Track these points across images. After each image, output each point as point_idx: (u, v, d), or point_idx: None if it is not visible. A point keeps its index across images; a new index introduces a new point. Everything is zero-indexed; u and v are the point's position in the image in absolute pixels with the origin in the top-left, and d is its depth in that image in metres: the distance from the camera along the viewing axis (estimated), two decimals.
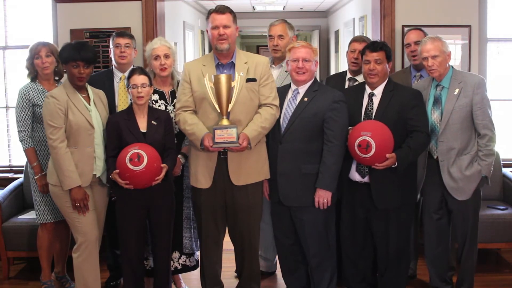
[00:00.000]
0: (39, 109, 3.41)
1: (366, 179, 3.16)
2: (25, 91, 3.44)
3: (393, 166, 3.04)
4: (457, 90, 3.16)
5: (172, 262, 3.46)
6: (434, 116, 3.20)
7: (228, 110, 3.02)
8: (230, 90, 2.99)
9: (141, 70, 3.16)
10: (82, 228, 3.17)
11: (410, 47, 3.62)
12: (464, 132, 3.17)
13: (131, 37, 3.68)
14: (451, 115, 3.15)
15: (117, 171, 3.02)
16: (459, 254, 3.36)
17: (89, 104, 3.21)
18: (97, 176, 3.21)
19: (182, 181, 3.43)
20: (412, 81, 3.63)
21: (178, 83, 3.43)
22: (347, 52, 3.69)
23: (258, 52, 13.57)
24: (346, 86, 3.59)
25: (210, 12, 3.11)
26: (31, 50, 3.48)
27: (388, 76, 3.22)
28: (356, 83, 3.57)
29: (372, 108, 3.16)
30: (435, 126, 3.19)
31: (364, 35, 6.33)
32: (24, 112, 3.42)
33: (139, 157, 2.97)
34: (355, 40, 3.62)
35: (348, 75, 3.64)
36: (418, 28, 3.74)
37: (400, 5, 4.26)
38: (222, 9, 3.08)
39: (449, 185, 3.20)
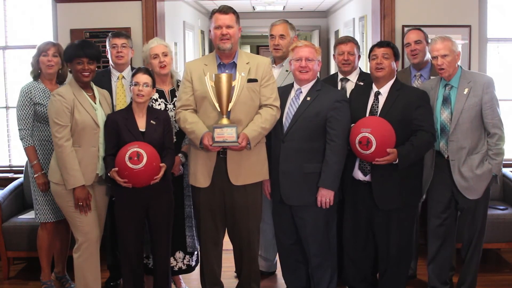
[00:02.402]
0: (41, 108, 3.41)
1: (368, 178, 3.16)
2: (27, 89, 3.44)
3: (394, 163, 3.04)
4: (466, 90, 3.17)
5: (175, 262, 3.47)
6: (444, 115, 3.20)
7: (228, 110, 3.02)
8: (230, 89, 2.99)
9: (146, 70, 3.19)
10: (83, 228, 3.17)
11: (410, 46, 3.62)
12: (474, 131, 3.17)
13: (127, 36, 3.69)
14: (461, 115, 3.15)
15: (116, 169, 3.03)
16: (463, 253, 3.35)
17: (95, 103, 3.22)
18: (99, 175, 3.21)
19: (183, 180, 3.44)
20: (412, 80, 3.63)
21: (177, 82, 3.45)
22: (334, 55, 3.68)
23: (258, 52, 13.58)
24: (339, 87, 3.59)
25: (213, 12, 3.12)
26: (39, 48, 3.48)
27: (395, 75, 3.22)
28: (349, 82, 3.58)
29: (377, 107, 3.16)
30: (445, 126, 3.19)
31: (364, 35, 6.35)
32: (25, 111, 3.42)
33: (139, 156, 2.98)
34: (340, 42, 3.60)
35: (340, 76, 3.64)
36: (417, 28, 3.74)
37: (400, 5, 4.26)
38: (225, 9, 3.09)
39: (460, 184, 3.20)
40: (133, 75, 3.15)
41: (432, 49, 3.19)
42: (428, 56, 3.57)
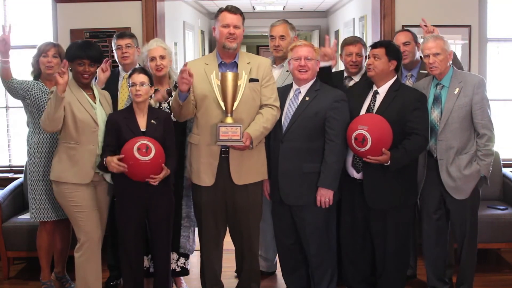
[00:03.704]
0: (35, 101, 3.39)
1: (361, 176, 3.16)
2: (25, 82, 3.44)
3: (385, 164, 3.04)
4: (457, 90, 3.17)
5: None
6: (434, 114, 3.21)
7: (233, 108, 3.03)
8: (236, 88, 3.00)
9: (142, 70, 3.18)
10: (85, 228, 3.17)
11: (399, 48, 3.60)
12: (464, 132, 3.17)
13: (132, 36, 3.69)
14: (451, 114, 3.15)
15: (119, 156, 3.01)
16: (458, 253, 3.36)
17: (95, 103, 3.22)
18: (100, 174, 3.21)
19: (183, 180, 3.44)
20: (403, 80, 3.62)
21: (175, 83, 3.45)
22: (341, 55, 3.68)
23: (258, 52, 13.58)
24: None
25: (221, 10, 3.13)
26: (39, 48, 3.49)
27: (394, 75, 3.21)
28: (352, 81, 3.58)
29: (374, 106, 3.17)
30: (435, 125, 3.20)
31: (364, 35, 6.35)
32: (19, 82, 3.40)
33: (148, 148, 2.99)
34: (348, 43, 3.60)
35: (345, 74, 3.65)
36: (406, 29, 3.74)
37: (400, 5, 4.27)
38: (234, 10, 3.12)
39: (448, 184, 3.20)
40: (129, 76, 3.15)
41: (424, 47, 3.20)
42: (417, 55, 3.58)
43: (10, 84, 3.39)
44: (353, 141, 3.02)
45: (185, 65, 2.95)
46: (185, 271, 3.56)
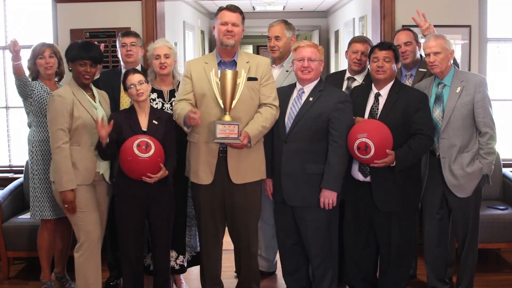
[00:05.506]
0: (38, 100, 3.40)
1: (368, 179, 3.16)
2: (30, 83, 3.44)
3: (391, 165, 3.04)
4: (459, 88, 3.18)
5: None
6: (435, 113, 3.21)
7: (232, 107, 3.03)
8: (235, 86, 3.01)
9: (134, 70, 3.19)
10: (85, 227, 3.17)
11: (400, 48, 3.57)
12: (466, 130, 3.17)
13: (136, 35, 3.71)
14: (453, 113, 3.16)
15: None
16: (459, 252, 3.36)
17: (95, 102, 3.23)
18: (100, 173, 3.22)
19: (188, 180, 3.43)
20: (403, 80, 3.62)
21: (178, 83, 3.46)
22: (346, 52, 3.68)
23: (258, 52, 13.59)
24: (344, 86, 3.59)
25: (220, 9, 3.15)
26: (34, 50, 3.49)
27: (395, 77, 3.22)
28: (355, 82, 3.57)
29: (378, 109, 3.16)
30: (437, 123, 3.20)
31: (364, 35, 6.35)
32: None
33: (147, 146, 3.00)
34: (356, 41, 3.61)
35: (347, 74, 3.64)
36: (407, 28, 3.74)
37: (400, 5, 4.27)
38: (233, 8, 3.14)
39: (450, 182, 3.20)
40: (124, 81, 3.15)
41: (425, 46, 3.21)
42: (418, 55, 3.58)
43: (24, 80, 3.40)
44: (356, 151, 3.02)
45: (196, 112, 2.95)
46: (183, 269, 3.55)
